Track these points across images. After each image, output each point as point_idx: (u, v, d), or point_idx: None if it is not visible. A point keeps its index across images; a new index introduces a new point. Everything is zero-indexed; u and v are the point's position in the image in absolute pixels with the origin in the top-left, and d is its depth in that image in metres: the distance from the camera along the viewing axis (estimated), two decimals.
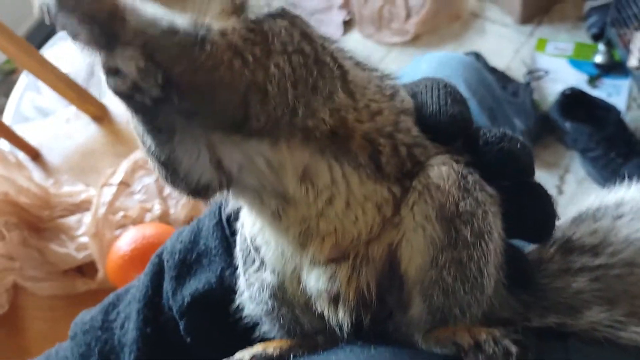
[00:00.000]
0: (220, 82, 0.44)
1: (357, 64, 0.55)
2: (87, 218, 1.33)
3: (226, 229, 0.66)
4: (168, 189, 1.35)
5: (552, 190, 2.16)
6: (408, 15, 2.60)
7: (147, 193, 1.38)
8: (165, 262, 0.68)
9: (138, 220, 1.32)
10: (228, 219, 0.65)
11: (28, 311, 1.33)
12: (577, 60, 2.38)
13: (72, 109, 1.58)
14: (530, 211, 0.55)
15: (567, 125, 2.16)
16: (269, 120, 0.46)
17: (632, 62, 2.16)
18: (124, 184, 1.35)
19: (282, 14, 0.48)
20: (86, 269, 1.33)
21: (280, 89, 0.46)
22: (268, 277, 0.57)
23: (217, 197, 0.55)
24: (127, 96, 0.44)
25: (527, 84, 2.32)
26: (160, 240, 1.22)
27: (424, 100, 0.55)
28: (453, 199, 0.50)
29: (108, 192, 1.31)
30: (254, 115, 0.45)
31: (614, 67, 2.31)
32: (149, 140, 0.49)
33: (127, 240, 1.20)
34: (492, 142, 0.53)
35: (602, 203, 0.62)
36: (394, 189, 0.52)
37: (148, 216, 1.33)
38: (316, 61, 0.48)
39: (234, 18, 0.47)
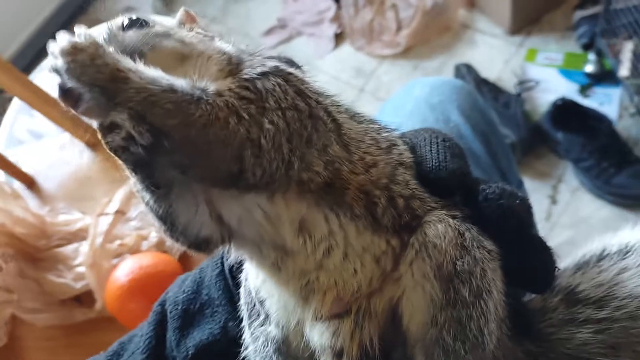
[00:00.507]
0: (214, 138, 0.45)
1: (353, 117, 0.56)
2: (83, 247, 1.32)
3: (229, 278, 0.66)
4: None
5: (545, 200, 2.18)
6: (399, 28, 2.60)
7: (142, 220, 1.38)
8: (168, 312, 0.68)
9: (134, 249, 1.32)
10: (231, 269, 0.66)
11: (27, 342, 1.33)
12: (568, 70, 2.39)
13: (67, 135, 1.58)
14: (529, 264, 0.55)
15: (559, 135, 2.17)
16: (264, 174, 0.47)
17: (622, 72, 2.18)
18: (120, 212, 1.34)
19: (276, 72, 0.50)
20: (84, 298, 1.32)
21: (275, 144, 0.47)
22: (273, 330, 0.57)
23: (219, 250, 0.56)
24: (123, 148, 0.45)
25: (518, 95, 2.33)
26: (157, 269, 1.21)
27: (423, 154, 0.56)
28: (450, 258, 0.50)
29: (104, 222, 1.31)
30: (249, 169, 0.47)
31: (605, 76, 2.31)
32: (147, 196, 0.51)
33: (124, 271, 1.19)
34: (491, 198, 0.53)
35: (606, 249, 0.63)
36: (393, 242, 0.53)
37: (145, 244, 1.33)
38: (310, 116, 0.49)
39: (230, 78, 0.49)
